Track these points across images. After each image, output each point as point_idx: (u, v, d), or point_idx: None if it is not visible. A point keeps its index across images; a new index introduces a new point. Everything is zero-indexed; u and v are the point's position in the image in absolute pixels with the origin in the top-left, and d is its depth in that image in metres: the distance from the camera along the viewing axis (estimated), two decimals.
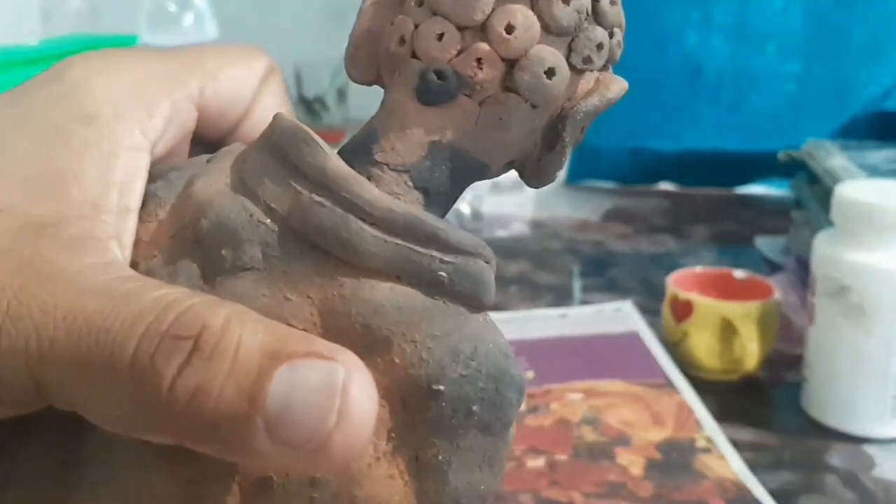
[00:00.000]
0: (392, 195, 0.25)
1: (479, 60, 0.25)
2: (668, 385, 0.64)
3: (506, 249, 0.92)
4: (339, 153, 0.25)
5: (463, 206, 0.98)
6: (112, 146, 0.24)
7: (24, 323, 0.21)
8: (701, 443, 0.57)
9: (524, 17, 0.25)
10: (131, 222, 0.24)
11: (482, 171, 0.26)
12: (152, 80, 0.26)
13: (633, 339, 0.71)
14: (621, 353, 0.68)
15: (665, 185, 1.10)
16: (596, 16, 0.26)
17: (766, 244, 0.90)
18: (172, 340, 0.20)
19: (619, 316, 0.74)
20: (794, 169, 0.84)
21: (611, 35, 0.26)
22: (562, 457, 0.56)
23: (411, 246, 0.24)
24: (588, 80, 0.26)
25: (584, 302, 0.79)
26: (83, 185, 0.24)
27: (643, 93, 1.05)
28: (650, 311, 0.74)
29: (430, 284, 0.24)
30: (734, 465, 0.55)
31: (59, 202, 0.23)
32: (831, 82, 1.00)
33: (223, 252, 0.24)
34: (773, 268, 0.85)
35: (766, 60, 1.02)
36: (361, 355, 0.22)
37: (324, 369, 0.20)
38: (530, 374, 0.65)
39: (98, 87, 0.25)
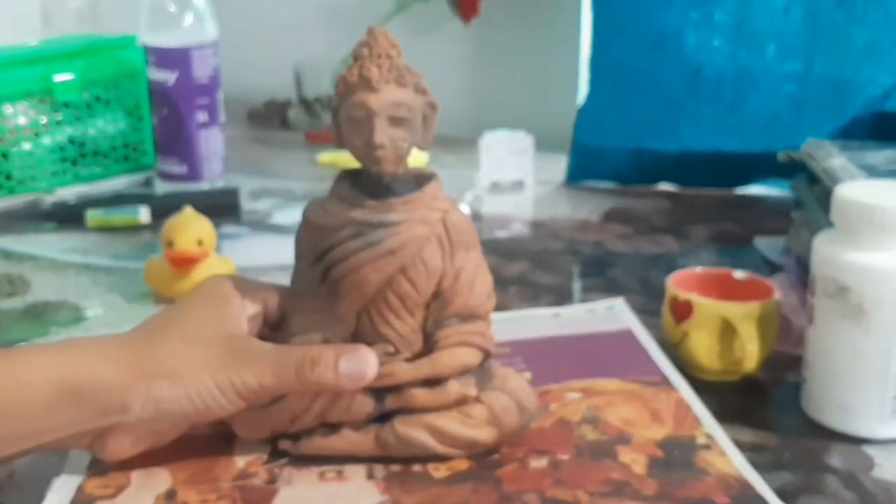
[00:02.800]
0: None
1: None
2: (665, 382, 0.64)
3: (505, 250, 0.92)
4: None
5: (463, 206, 0.98)
6: (241, 313, 0.56)
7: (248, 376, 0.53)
8: (701, 439, 0.57)
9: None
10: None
11: None
12: (255, 288, 0.58)
13: (627, 336, 0.71)
14: (616, 352, 0.68)
15: (665, 186, 1.10)
16: None
17: (765, 244, 0.90)
18: (310, 364, 0.54)
19: (612, 314, 0.74)
20: (794, 169, 0.84)
21: None
22: (564, 456, 0.56)
23: None
24: None
25: (584, 302, 0.79)
26: (241, 326, 0.56)
27: (643, 93, 1.05)
28: (650, 312, 0.74)
29: None
30: (736, 462, 0.55)
31: (232, 335, 0.55)
32: (831, 82, 1.00)
33: None
34: (772, 268, 0.85)
35: (766, 60, 1.01)
36: None
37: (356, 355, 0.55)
38: (528, 376, 0.65)
39: (227, 287, 0.57)
